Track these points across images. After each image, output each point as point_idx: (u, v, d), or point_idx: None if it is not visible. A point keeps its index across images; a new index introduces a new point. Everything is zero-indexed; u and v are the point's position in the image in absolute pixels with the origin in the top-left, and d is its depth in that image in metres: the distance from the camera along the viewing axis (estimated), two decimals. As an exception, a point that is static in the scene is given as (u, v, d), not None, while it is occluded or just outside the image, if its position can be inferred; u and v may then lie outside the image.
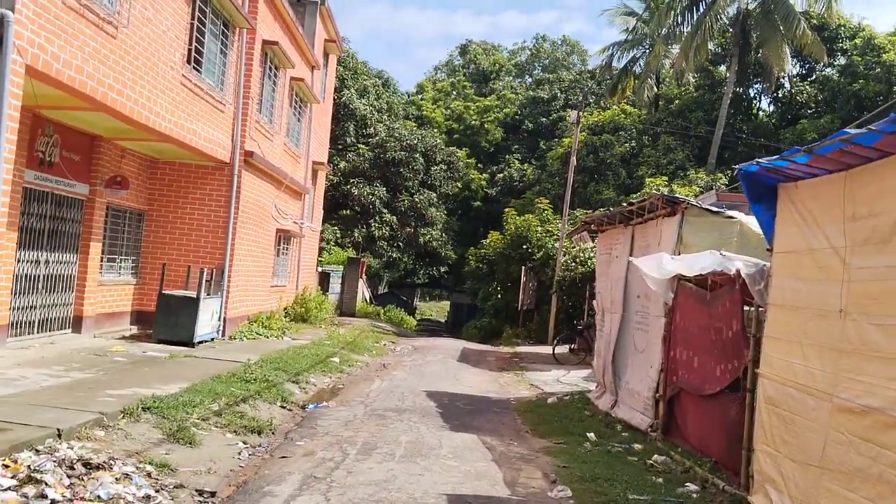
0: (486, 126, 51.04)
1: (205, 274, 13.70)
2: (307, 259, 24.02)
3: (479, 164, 49.69)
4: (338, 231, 31.77)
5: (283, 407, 9.91)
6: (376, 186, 29.66)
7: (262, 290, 18.42)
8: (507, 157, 49.53)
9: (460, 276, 41.86)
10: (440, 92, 57.19)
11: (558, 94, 52.90)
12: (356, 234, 29.88)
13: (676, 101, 40.67)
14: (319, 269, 30.04)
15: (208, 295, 14.36)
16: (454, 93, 56.79)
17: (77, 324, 12.80)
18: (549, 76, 57.02)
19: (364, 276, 35.62)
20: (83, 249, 12.82)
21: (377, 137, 30.57)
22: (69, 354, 10.89)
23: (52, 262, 12.04)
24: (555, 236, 26.13)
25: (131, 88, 10.74)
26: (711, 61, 41.44)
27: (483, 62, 60.70)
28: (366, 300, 35.42)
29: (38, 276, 11.65)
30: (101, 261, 13.86)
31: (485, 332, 30.73)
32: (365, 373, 14.45)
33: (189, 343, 13.44)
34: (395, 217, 30.62)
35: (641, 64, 42.49)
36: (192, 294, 13.71)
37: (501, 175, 47.54)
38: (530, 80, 61.77)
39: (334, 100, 27.31)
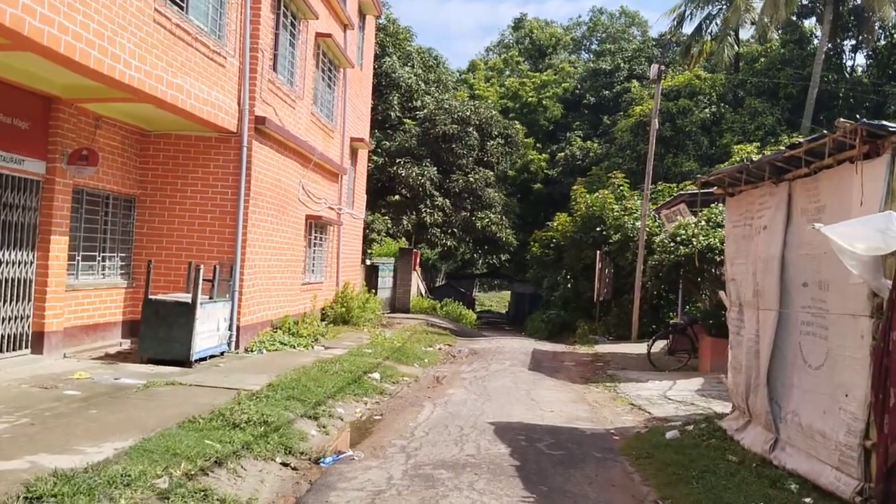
0: (544, 103, 47.20)
1: (202, 272, 10.63)
2: (349, 251, 20.93)
3: (537, 144, 45.96)
4: (388, 220, 28.63)
5: (286, 465, 6.70)
6: (426, 166, 26.20)
7: (290, 288, 15.36)
8: (567, 134, 45.64)
9: (521, 264, 38.40)
10: (492, 70, 53.50)
11: (622, 65, 48.68)
12: (405, 222, 26.56)
13: (762, 59, 36.03)
14: (368, 263, 27.00)
15: (211, 298, 11.34)
16: (508, 70, 53.03)
17: (38, 342, 9.89)
18: (609, 47, 52.76)
19: (418, 269, 32.50)
20: (42, 245, 9.89)
21: (425, 111, 27.14)
22: (2, 389, 7.93)
23: (-6, 263, 9.14)
24: (634, 215, 22.38)
25: (67, 16, 7.67)
26: (798, 13, 36.79)
27: (539, 35, 56.67)
28: (421, 294, 32.32)
29: (-30, 283, 8.76)
30: (76, 259, 10.98)
31: (553, 326, 27.24)
32: (413, 393, 11.19)
33: (185, 362, 10.42)
34: (447, 200, 27.16)
35: (718, 23, 38.15)
36: (187, 298, 10.67)
37: (562, 154, 43.70)
38: (588, 56, 57.64)
39: (374, 69, 24.08)
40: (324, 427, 8.26)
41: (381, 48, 26.11)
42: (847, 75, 37.14)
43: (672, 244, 13.69)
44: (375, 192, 26.64)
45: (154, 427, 6.68)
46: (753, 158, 21.99)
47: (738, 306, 8.78)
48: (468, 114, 27.21)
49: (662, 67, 21.44)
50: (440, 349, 17.35)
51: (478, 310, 45.04)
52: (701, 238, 13.41)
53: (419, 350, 15.87)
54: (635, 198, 23.58)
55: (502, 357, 16.38)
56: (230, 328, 12.06)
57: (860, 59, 39.73)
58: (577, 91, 47.95)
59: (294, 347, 13.48)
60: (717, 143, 31.89)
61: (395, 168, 25.95)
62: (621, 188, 24.34)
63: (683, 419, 9.67)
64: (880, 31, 35.83)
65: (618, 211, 22.87)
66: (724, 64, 36.25)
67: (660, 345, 16.31)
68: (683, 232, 13.61)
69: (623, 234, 22.07)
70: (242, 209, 12.50)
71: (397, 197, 28.27)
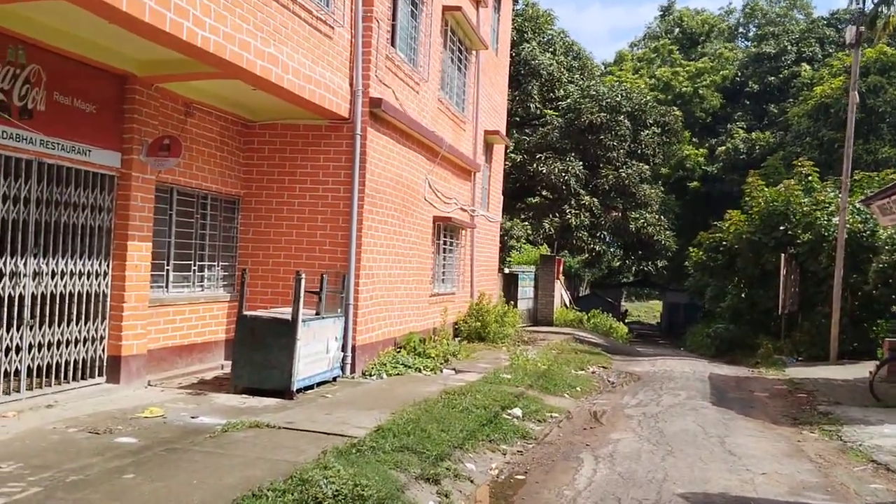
0: (700, 92, 42.98)
1: (303, 282, 8.70)
2: (484, 258, 18.68)
3: (693, 139, 41.84)
4: (528, 226, 26.11)
5: (382, 572, 4.45)
6: (570, 161, 23.40)
7: (416, 301, 13.29)
8: (728, 126, 41.18)
9: (676, 271, 34.64)
10: (641, 60, 49.67)
11: (788, 48, 43.51)
12: (547, 225, 23.87)
13: (971, 24, 30.19)
14: (506, 271, 24.67)
15: (318, 314, 9.39)
16: (658, 60, 49.01)
17: (114, 368, 8.33)
18: (773, 29, 47.45)
19: (562, 277, 29.76)
20: (118, 253, 8.34)
21: (568, 100, 24.37)
22: (41, 435, 6.28)
23: (55, 275, 7.62)
24: (829, 209, 18.55)
25: (108, -48, 5.92)
26: None
27: (690, 23, 52.15)
28: (565, 305, 29.55)
29: (23, 298, 7.24)
30: (166, 270, 9.42)
31: (720, 342, 23.58)
32: (565, 437, 8.65)
33: (285, 392, 8.54)
34: (595, 199, 24.17)
35: (910, -14, 32.68)
36: (287, 314, 8.78)
37: (723, 148, 39.38)
38: (746, 43, 52.32)
39: (511, 57, 21.73)
40: (446, 495, 5.97)
41: (519, 34, 23.71)
42: None
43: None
44: (513, 193, 24.22)
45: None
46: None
47: None
48: (619, 100, 24.11)
49: (862, 29, 17.57)
50: (593, 372, 14.64)
51: (626, 321, 41.60)
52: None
53: (568, 374, 13.28)
54: (827, 189, 19.68)
55: (673, 385, 13.42)
56: (343, 349, 10.11)
57: None
58: (738, 78, 43.35)
59: (419, 371, 11.37)
60: (920, 124, 26.87)
61: (535, 165, 23.36)
62: (810, 178, 20.44)
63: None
64: None
65: (807, 205, 19.08)
66: (920, 33, 30.90)
67: (867, 367, 12.71)
68: (926, 225, 10.25)
69: (815, 232, 18.30)
70: (356, 209, 10.55)
71: (537, 199, 25.68)
